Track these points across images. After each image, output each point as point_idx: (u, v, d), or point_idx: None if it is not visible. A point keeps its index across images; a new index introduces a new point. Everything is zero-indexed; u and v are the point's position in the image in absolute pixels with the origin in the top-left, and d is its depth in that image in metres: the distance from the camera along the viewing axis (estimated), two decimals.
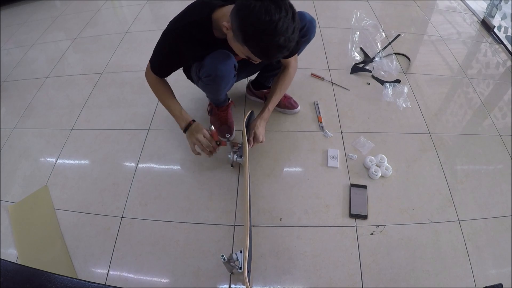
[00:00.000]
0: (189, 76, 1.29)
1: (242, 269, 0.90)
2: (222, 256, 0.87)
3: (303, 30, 1.24)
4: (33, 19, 2.48)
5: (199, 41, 1.02)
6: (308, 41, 1.26)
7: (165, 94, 1.17)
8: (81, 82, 1.80)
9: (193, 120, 1.17)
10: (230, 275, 1.04)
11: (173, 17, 1.05)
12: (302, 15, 1.23)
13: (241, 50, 0.93)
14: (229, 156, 1.23)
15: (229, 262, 0.91)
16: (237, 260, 0.91)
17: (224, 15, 0.95)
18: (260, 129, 1.23)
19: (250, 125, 1.27)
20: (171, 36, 1.01)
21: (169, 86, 1.19)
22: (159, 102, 1.20)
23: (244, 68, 1.24)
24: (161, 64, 1.10)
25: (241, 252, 0.93)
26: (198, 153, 1.20)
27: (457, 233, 1.14)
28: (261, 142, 1.24)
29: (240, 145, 1.26)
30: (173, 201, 1.24)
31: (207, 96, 1.37)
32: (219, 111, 1.38)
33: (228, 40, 0.96)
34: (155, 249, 1.12)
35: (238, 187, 1.26)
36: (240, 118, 1.48)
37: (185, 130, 1.17)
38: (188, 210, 1.21)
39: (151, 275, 1.07)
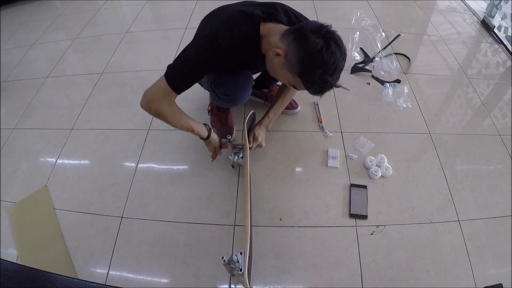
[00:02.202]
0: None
1: (242, 271, 0.90)
2: (223, 258, 0.87)
3: None
4: (33, 19, 2.48)
5: (245, 56, 0.99)
6: None
7: (182, 114, 1.04)
8: (81, 82, 1.80)
9: (209, 128, 1.15)
10: (231, 276, 1.04)
11: (200, 28, 1.01)
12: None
13: (287, 78, 0.92)
14: (230, 157, 1.23)
15: (230, 264, 0.90)
16: (238, 261, 0.91)
17: (269, 34, 0.93)
18: (260, 132, 1.23)
19: (250, 128, 1.26)
20: (218, 49, 0.90)
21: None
22: (173, 126, 1.05)
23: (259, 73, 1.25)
24: (189, 77, 0.95)
25: (241, 253, 0.93)
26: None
27: (457, 233, 1.14)
28: (261, 146, 1.24)
29: (241, 146, 1.26)
30: (173, 201, 1.24)
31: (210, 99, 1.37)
32: (219, 111, 1.38)
33: (270, 63, 0.94)
34: (155, 249, 1.12)
35: (238, 187, 1.26)
36: (240, 118, 1.48)
37: (205, 139, 1.16)
38: (188, 210, 1.21)
39: (151, 275, 1.07)
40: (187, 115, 1.07)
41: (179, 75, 0.94)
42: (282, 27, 0.95)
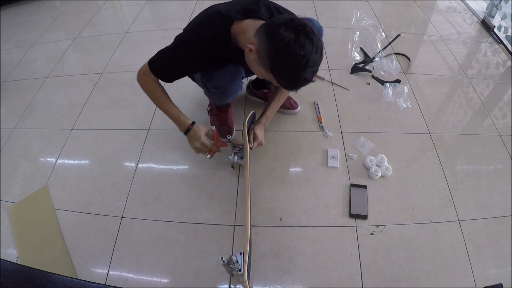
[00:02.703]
0: (190, 75, 1.29)
1: (242, 271, 0.90)
2: (222, 258, 0.87)
3: None
4: (33, 19, 2.48)
5: (215, 56, 1.01)
6: None
7: (162, 97, 1.12)
8: (81, 82, 1.80)
9: (193, 123, 1.12)
10: (230, 277, 1.04)
11: (186, 25, 1.02)
12: (311, 22, 1.24)
13: (262, 74, 0.92)
14: (229, 157, 1.23)
15: (229, 264, 0.90)
16: (237, 262, 0.91)
17: (244, 31, 0.94)
18: (259, 131, 1.23)
19: (249, 128, 1.26)
20: (187, 48, 0.98)
21: (164, 90, 1.12)
22: (155, 105, 1.15)
23: (245, 69, 1.25)
24: (167, 71, 1.05)
25: (241, 254, 0.93)
26: (200, 152, 1.16)
27: (457, 233, 1.14)
28: (262, 144, 1.23)
29: (241, 146, 1.26)
30: (173, 201, 1.24)
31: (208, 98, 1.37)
32: (219, 111, 1.38)
33: (247, 59, 0.94)
34: (155, 249, 1.12)
35: (238, 187, 1.26)
36: (240, 118, 1.48)
37: (185, 133, 1.13)
38: (188, 210, 1.21)
39: (151, 275, 1.07)
40: (170, 102, 1.12)
41: (161, 65, 1.03)
42: (259, 23, 0.93)
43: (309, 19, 1.23)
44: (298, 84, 0.88)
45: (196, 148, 1.13)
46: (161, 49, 1.03)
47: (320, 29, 1.25)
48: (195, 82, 1.28)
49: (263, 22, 0.95)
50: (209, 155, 1.15)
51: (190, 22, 1.07)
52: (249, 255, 0.98)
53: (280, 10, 1.06)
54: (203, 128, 1.13)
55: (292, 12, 1.07)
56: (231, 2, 1.06)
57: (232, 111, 1.43)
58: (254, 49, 0.87)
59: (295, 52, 0.80)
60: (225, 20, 0.96)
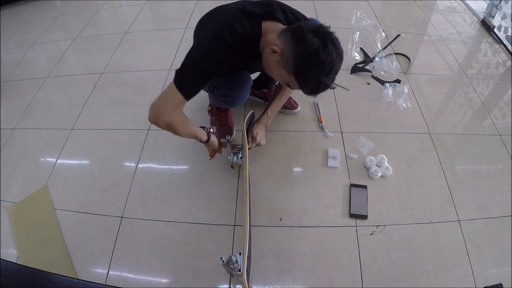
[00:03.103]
0: None
1: (241, 271, 0.90)
2: (221, 258, 0.87)
3: None
4: (33, 19, 2.48)
5: (246, 55, 0.96)
6: None
7: (188, 122, 1.01)
8: (81, 82, 1.80)
9: (208, 133, 1.12)
10: (230, 277, 1.04)
11: (199, 38, 0.98)
12: (314, 22, 1.24)
13: (282, 76, 0.91)
14: (229, 157, 1.23)
15: (228, 264, 0.90)
16: (236, 262, 0.91)
17: (268, 32, 0.92)
18: (259, 131, 1.23)
19: (249, 128, 1.26)
20: (226, 48, 0.88)
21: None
22: (182, 136, 1.02)
23: (252, 72, 1.24)
24: (199, 80, 0.91)
25: (240, 254, 0.93)
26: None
27: (457, 233, 1.14)
28: (260, 144, 1.23)
29: (240, 146, 1.26)
30: (173, 201, 1.24)
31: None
32: (219, 111, 1.38)
33: (266, 61, 0.93)
34: (155, 249, 1.12)
35: (238, 187, 1.26)
36: (240, 118, 1.48)
37: (205, 142, 1.12)
38: (188, 210, 1.21)
39: (151, 275, 1.07)
40: (190, 122, 1.03)
41: (188, 80, 0.89)
42: (280, 25, 0.94)
43: (312, 19, 1.24)
44: (319, 90, 0.88)
45: (211, 150, 1.19)
46: (186, 67, 0.90)
47: None
48: None
49: (282, 25, 0.95)
50: (209, 157, 1.20)
51: (202, 27, 1.02)
52: (249, 255, 0.98)
53: (294, 12, 1.05)
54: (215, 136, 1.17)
55: (303, 14, 1.08)
56: (241, 2, 1.03)
57: (232, 111, 1.44)
58: (279, 50, 0.87)
59: (322, 59, 0.81)
60: (252, 18, 0.92)
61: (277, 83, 1.33)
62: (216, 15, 1.03)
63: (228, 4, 1.05)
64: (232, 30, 0.89)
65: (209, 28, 0.98)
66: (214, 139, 1.17)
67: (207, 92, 1.22)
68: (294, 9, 1.07)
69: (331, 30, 0.86)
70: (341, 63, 0.88)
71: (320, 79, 0.84)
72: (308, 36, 0.82)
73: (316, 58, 0.82)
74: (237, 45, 0.89)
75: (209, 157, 1.23)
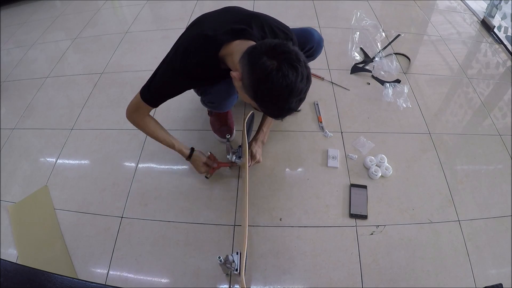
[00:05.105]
0: None
1: (238, 271, 0.90)
2: (219, 257, 0.87)
3: (310, 51, 1.25)
4: (33, 19, 2.48)
5: (206, 78, 1.01)
6: (313, 60, 1.29)
7: (158, 130, 1.12)
8: (81, 82, 1.80)
9: (192, 149, 1.19)
10: (230, 276, 1.04)
11: (172, 50, 1.00)
12: (311, 35, 1.23)
13: (248, 100, 0.87)
14: (228, 157, 1.23)
15: (226, 264, 0.90)
16: (234, 261, 0.91)
17: (232, 53, 0.90)
18: (257, 148, 1.23)
19: (246, 145, 1.24)
20: (177, 75, 0.96)
21: (157, 121, 1.14)
22: (152, 138, 1.15)
23: None
24: (161, 96, 1.03)
25: (237, 253, 0.93)
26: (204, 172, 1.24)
27: (457, 233, 1.14)
28: (259, 161, 1.24)
29: (239, 146, 1.26)
30: (173, 201, 1.24)
31: None
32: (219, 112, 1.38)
33: (235, 86, 0.91)
34: (155, 249, 1.12)
35: (238, 187, 1.26)
36: (240, 118, 1.48)
37: (187, 158, 1.20)
38: (188, 210, 1.21)
39: (151, 275, 1.07)
40: (166, 131, 1.14)
41: (154, 92, 1.01)
42: (246, 45, 0.86)
43: (308, 30, 1.24)
44: (282, 114, 0.83)
45: (201, 170, 1.22)
46: (149, 79, 1.02)
47: (320, 41, 1.25)
48: None
49: (252, 43, 0.88)
50: (208, 174, 1.24)
51: (177, 42, 1.03)
52: (246, 255, 0.98)
53: (275, 29, 1.00)
54: (202, 152, 1.22)
55: (287, 28, 1.04)
56: (221, 19, 1.02)
57: (232, 112, 1.44)
58: (237, 77, 0.83)
59: (277, 83, 0.74)
60: (212, 44, 0.92)
61: None
62: (190, 30, 1.03)
63: (203, 21, 1.03)
64: (184, 58, 0.93)
65: (175, 45, 1.02)
66: (198, 155, 1.20)
67: (198, 95, 1.23)
68: (279, 24, 1.03)
69: (289, 47, 0.77)
70: (307, 81, 0.78)
71: (280, 105, 0.78)
72: (261, 59, 0.75)
73: (270, 83, 0.74)
74: (186, 71, 0.94)
75: (208, 175, 1.24)
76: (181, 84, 1.01)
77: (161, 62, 1.01)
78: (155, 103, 1.03)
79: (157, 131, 1.12)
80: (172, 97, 1.03)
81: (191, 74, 0.96)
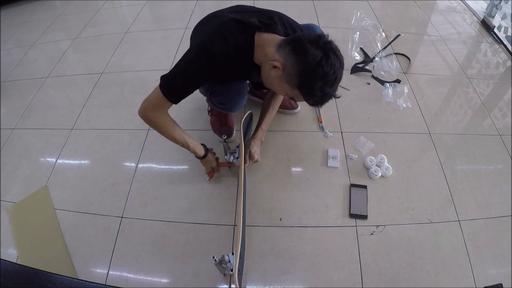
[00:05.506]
0: None
1: (233, 271, 0.90)
2: (213, 257, 0.87)
3: None
4: (33, 19, 2.48)
5: (239, 67, 0.96)
6: None
7: (175, 127, 1.04)
8: (81, 82, 1.80)
9: (206, 149, 1.17)
10: (230, 275, 1.04)
11: (193, 44, 0.96)
12: (314, 31, 1.23)
13: (285, 90, 0.90)
14: (225, 157, 1.23)
15: (221, 264, 0.90)
16: (229, 261, 0.91)
17: (266, 44, 0.90)
18: (255, 148, 1.23)
19: (245, 144, 1.23)
20: (213, 59, 0.88)
21: (173, 119, 1.06)
22: (166, 138, 1.06)
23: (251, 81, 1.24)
24: (185, 89, 0.94)
25: (233, 253, 0.93)
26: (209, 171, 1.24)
27: (457, 233, 1.14)
28: (257, 161, 1.23)
29: (237, 147, 1.26)
30: (173, 201, 1.24)
31: None
32: (219, 112, 1.38)
33: (266, 75, 0.91)
34: (155, 249, 1.12)
35: (237, 187, 1.26)
36: (240, 118, 1.48)
37: (201, 158, 1.18)
38: (188, 210, 1.21)
39: (151, 275, 1.07)
40: (182, 130, 1.07)
41: (172, 86, 0.93)
42: (277, 37, 0.92)
43: (311, 27, 1.24)
44: (325, 101, 0.87)
45: (207, 170, 1.24)
46: (170, 74, 0.93)
47: None
48: None
49: (280, 37, 0.92)
50: (208, 177, 1.25)
51: (197, 37, 1.00)
52: (242, 255, 0.98)
53: (293, 25, 1.03)
54: (214, 155, 1.23)
55: (298, 24, 1.07)
56: (240, 8, 1.02)
57: None
58: (280, 66, 0.85)
59: (326, 71, 0.81)
60: (248, 28, 0.91)
61: (266, 96, 1.32)
62: (212, 21, 1.02)
63: (224, 9, 1.04)
64: (222, 41, 0.88)
65: (199, 34, 0.99)
66: (211, 158, 1.19)
67: (204, 96, 1.22)
68: (292, 20, 1.06)
69: (329, 38, 0.85)
70: (343, 69, 0.87)
71: (326, 91, 0.84)
72: (309, 49, 0.80)
73: (320, 71, 0.81)
74: (225, 57, 0.89)
75: (208, 178, 1.25)
76: (209, 73, 0.93)
77: (181, 59, 0.94)
78: (176, 99, 0.95)
79: (175, 131, 1.04)
80: (192, 92, 0.96)
81: (229, 60, 0.89)
